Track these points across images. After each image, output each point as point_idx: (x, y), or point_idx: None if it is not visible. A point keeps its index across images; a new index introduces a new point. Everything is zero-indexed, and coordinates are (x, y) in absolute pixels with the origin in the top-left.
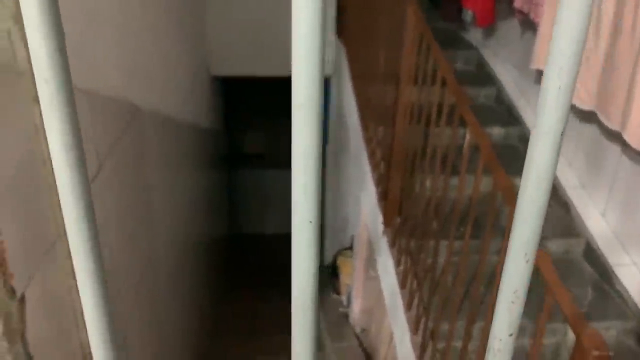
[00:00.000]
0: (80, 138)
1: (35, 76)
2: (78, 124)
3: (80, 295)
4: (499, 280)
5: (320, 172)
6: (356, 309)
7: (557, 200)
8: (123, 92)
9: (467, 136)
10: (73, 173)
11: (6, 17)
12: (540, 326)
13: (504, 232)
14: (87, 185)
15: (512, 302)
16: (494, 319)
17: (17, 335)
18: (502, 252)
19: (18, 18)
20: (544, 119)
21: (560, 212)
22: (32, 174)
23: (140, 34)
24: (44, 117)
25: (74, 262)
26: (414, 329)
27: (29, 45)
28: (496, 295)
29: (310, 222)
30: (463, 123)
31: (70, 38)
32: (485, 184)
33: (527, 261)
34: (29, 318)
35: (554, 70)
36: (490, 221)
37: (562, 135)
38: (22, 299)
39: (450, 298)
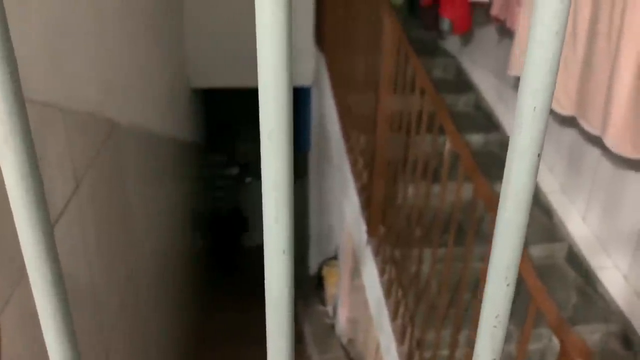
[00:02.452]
0: (40, 179)
1: None
2: (37, 163)
3: (44, 336)
4: (482, 295)
5: (292, 201)
6: (342, 319)
7: (539, 205)
8: (100, 108)
9: (447, 144)
10: (32, 216)
11: None
12: (526, 334)
13: (486, 239)
14: (48, 227)
15: (495, 327)
16: (476, 344)
17: None
18: (485, 259)
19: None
20: (520, 140)
21: (542, 218)
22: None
23: (118, 48)
24: None
25: (37, 308)
26: (400, 339)
27: None
28: (479, 311)
29: (284, 251)
30: (443, 130)
31: (44, 54)
32: (467, 190)
33: (507, 285)
34: (5, 344)
35: (528, 91)
36: (473, 228)
37: (539, 156)
38: None
39: (436, 306)
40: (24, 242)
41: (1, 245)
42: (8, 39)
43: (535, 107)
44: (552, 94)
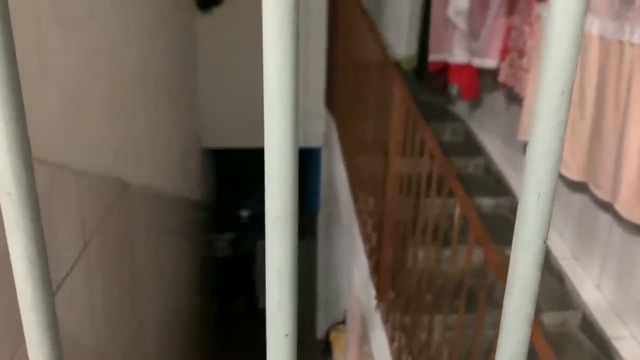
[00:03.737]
0: (45, 255)
1: None
2: (43, 240)
3: None
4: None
5: (296, 286)
6: None
7: (550, 271)
8: (112, 169)
9: (457, 210)
10: (36, 290)
11: None
12: None
13: (498, 305)
14: (51, 303)
15: None
16: None
17: None
18: (496, 326)
19: None
20: (525, 229)
21: (554, 284)
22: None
23: (133, 111)
24: (6, 231)
25: None
26: None
27: None
28: None
29: (287, 335)
30: (452, 193)
31: (61, 118)
32: (478, 255)
33: None
34: None
35: (532, 181)
36: (484, 295)
37: (544, 243)
38: None
39: None
40: (23, 306)
41: (6, 305)
42: (18, 89)
43: (539, 194)
44: (556, 182)
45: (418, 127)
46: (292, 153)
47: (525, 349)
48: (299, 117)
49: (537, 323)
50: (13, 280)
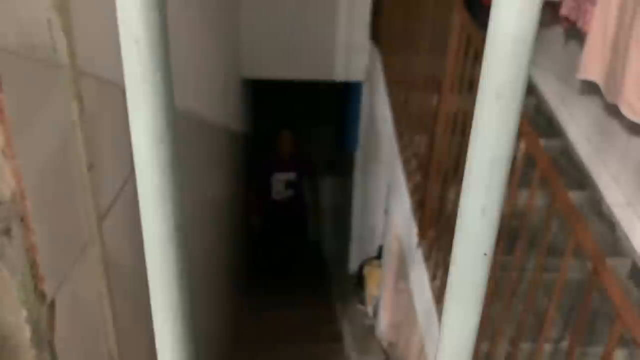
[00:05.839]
0: (173, 129)
1: (122, 36)
2: (174, 109)
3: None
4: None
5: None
6: (384, 323)
7: (601, 218)
8: None
9: (522, 147)
10: (161, 176)
11: (47, 4)
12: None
13: (556, 249)
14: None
15: None
16: None
17: (45, 342)
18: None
19: (61, 7)
20: (465, 247)
21: (604, 231)
22: (66, 176)
23: (177, 33)
24: (127, 96)
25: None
26: None
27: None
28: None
29: None
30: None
31: (110, 37)
32: (523, 197)
33: None
34: (58, 324)
35: (473, 195)
36: (548, 238)
37: (485, 255)
38: (52, 304)
39: (489, 316)
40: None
41: (59, 225)
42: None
43: (484, 210)
44: (503, 193)
45: (478, 60)
46: None
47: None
48: (337, 49)
49: (612, 277)
50: None
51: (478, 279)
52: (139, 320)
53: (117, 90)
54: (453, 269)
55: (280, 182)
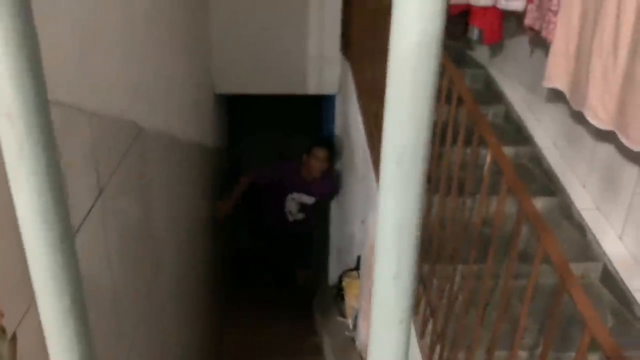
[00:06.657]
0: (64, 192)
1: None
2: (61, 174)
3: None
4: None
5: None
6: (363, 333)
7: (572, 223)
8: (127, 112)
9: (488, 158)
10: (51, 236)
11: None
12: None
13: (526, 256)
14: (70, 236)
15: None
16: None
17: None
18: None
19: None
20: (382, 313)
21: (575, 235)
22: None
23: (145, 52)
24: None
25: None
26: (429, 358)
27: None
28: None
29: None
30: (470, 142)
31: (73, 56)
32: (492, 205)
33: None
34: (20, 358)
35: (386, 261)
36: (517, 246)
37: (401, 322)
38: (14, 338)
39: (467, 326)
40: (42, 252)
41: (18, 258)
42: (35, 39)
43: (395, 275)
44: (416, 259)
45: (445, 70)
46: None
47: None
48: (309, 63)
49: (576, 285)
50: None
51: (395, 349)
52: (111, 338)
53: (80, 115)
54: (372, 334)
55: (294, 203)
